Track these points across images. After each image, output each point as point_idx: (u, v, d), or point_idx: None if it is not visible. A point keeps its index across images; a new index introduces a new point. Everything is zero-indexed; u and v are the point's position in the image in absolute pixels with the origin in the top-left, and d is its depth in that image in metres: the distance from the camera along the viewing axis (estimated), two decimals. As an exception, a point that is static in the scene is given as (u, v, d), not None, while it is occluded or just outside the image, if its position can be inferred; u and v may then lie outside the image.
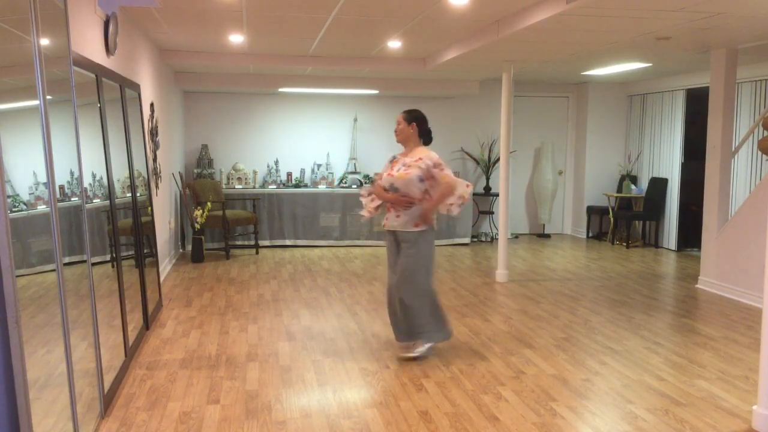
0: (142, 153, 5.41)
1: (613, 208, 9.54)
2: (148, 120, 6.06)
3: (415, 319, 4.36)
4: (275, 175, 9.26)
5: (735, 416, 3.55)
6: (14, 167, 2.60)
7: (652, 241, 9.34)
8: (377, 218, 4.66)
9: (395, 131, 4.50)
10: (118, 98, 4.59)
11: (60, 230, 2.82)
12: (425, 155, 4.39)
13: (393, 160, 4.52)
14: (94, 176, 3.73)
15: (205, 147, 9.08)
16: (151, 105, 6.32)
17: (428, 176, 4.32)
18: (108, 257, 4.04)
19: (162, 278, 6.56)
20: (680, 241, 8.88)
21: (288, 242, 9.01)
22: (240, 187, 9.08)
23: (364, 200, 4.60)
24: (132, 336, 4.38)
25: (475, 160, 9.92)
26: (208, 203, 8.05)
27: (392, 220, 4.40)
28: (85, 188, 3.40)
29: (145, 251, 5.21)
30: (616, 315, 5.58)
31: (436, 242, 9.20)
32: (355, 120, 9.61)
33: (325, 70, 8.15)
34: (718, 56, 6.38)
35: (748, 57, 6.81)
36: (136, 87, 5.39)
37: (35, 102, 2.67)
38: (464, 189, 4.39)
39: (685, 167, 8.72)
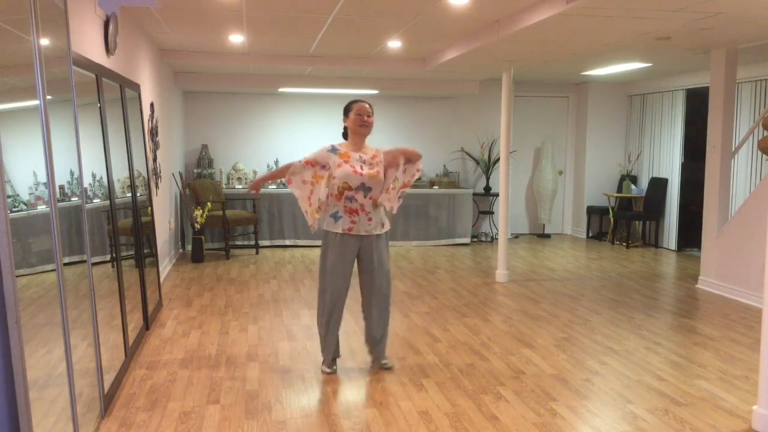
0: (142, 153, 5.41)
1: (613, 208, 9.54)
2: (148, 120, 6.06)
3: (387, 321, 4.22)
4: (275, 175, 9.25)
5: (735, 416, 3.55)
6: (14, 167, 2.60)
7: (652, 241, 9.34)
8: (320, 220, 4.14)
9: (368, 122, 4.07)
10: (118, 98, 4.59)
11: (60, 230, 2.81)
12: (375, 151, 4.13)
13: (336, 152, 4.05)
14: (94, 176, 3.73)
15: (205, 147, 9.08)
16: (151, 105, 6.32)
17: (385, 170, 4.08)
18: (108, 257, 4.04)
19: (162, 278, 6.56)
20: (680, 241, 8.88)
21: (288, 242, 9.01)
22: (240, 187, 9.08)
23: (303, 203, 4.07)
24: (132, 336, 4.38)
25: (475, 160, 9.92)
26: (208, 203, 8.05)
27: (363, 224, 4.02)
28: (85, 188, 3.40)
29: (145, 251, 5.21)
30: (616, 315, 5.58)
31: (437, 242, 9.33)
32: (355, 120, 9.60)
33: (325, 70, 8.15)
34: (718, 56, 6.38)
35: (748, 57, 6.81)
36: (136, 87, 5.39)
37: (35, 102, 2.66)
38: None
39: (685, 167, 8.71)
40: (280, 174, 4.19)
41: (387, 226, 4.16)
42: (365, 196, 4.00)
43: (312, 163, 4.04)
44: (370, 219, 4.03)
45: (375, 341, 4.21)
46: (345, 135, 4.20)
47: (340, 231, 4.02)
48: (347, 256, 4.06)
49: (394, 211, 4.12)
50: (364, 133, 4.10)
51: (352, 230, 4.02)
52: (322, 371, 4.15)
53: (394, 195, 4.08)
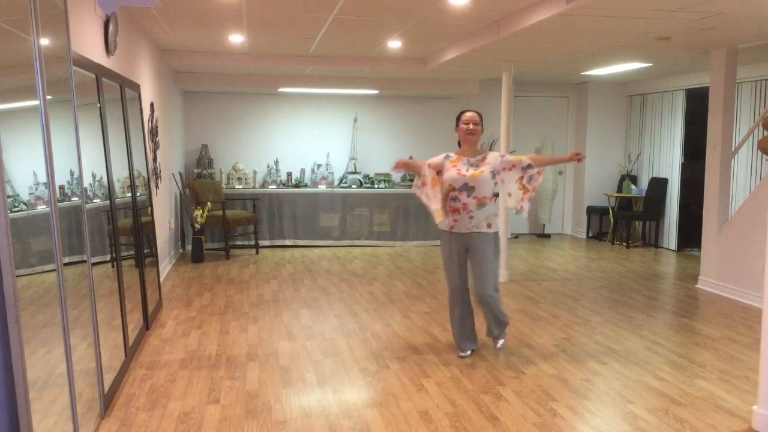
0: (142, 153, 5.41)
1: (613, 208, 9.54)
2: (148, 120, 6.06)
3: (499, 311, 4.53)
4: (275, 175, 9.26)
5: (735, 416, 3.55)
6: (14, 167, 2.60)
7: (652, 241, 9.34)
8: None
9: (474, 130, 4.43)
10: (118, 98, 4.59)
11: (60, 230, 2.82)
12: (486, 153, 4.47)
13: (448, 158, 4.43)
14: (94, 176, 3.73)
15: (205, 147, 9.08)
16: (151, 105, 6.32)
17: (498, 173, 4.41)
18: (108, 257, 4.04)
19: (162, 278, 6.56)
20: (680, 241, 8.87)
21: (288, 242, 9.01)
22: (240, 187, 9.08)
23: (430, 203, 4.38)
24: (132, 336, 4.38)
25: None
26: (208, 203, 8.05)
27: (464, 222, 4.32)
28: (85, 188, 3.40)
29: (145, 251, 5.21)
30: (616, 315, 5.58)
31: (437, 242, 9.30)
32: (355, 120, 9.61)
33: (325, 70, 8.15)
34: (718, 56, 6.38)
35: (748, 57, 6.81)
36: (136, 87, 5.39)
37: (35, 102, 2.66)
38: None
39: (685, 167, 8.71)
40: (417, 168, 4.50)
41: (494, 227, 4.40)
42: (469, 196, 4.30)
43: (432, 167, 4.42)
44: (471, 218, 4.32)
45: (472, 335, 4.58)
46: (460, 143, 4.56)
47: (446, 229, 4.42)
48: (454, 253, 4.42)
49: (524, 213, 4.49)
50: (471, 140, 4.47)
51: (454, 228, 4.38)
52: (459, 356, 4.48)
53: (517, 199, 4.43)
